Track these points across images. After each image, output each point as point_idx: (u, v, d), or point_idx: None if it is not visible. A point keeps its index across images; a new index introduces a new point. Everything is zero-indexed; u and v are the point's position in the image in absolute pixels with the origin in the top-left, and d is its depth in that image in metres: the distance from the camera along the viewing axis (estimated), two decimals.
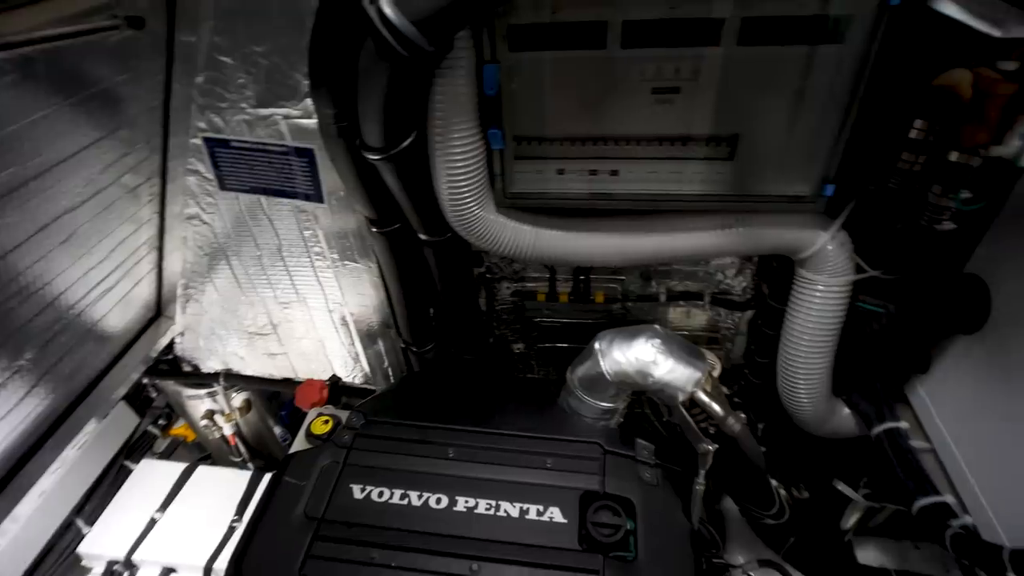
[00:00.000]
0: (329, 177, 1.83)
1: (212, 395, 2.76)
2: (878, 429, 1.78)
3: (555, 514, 1.63)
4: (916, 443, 1.78)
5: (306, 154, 1.78)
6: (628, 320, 2.24)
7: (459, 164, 1.52)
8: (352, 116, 1.48)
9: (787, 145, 1.48)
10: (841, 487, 2.15)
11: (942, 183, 1.37)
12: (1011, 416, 1.47)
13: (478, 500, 1.65)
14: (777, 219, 1.62)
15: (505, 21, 1.38)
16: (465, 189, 1.57)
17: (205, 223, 2.08)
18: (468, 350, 2.22)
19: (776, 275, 1.97)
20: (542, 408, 1.91)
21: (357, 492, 1.70)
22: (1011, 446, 1.48)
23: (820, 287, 1.69)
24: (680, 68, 1.41)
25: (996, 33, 1.06)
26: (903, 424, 1.76)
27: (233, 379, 2.63)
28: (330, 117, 1.50)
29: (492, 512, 1.64)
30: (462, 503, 1.66)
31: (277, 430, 3.05)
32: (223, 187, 1.95)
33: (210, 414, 2.82)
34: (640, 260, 1.73)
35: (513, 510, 1.63)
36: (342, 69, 1.43)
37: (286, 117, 1.72)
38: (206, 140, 1.82)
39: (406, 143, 1.48)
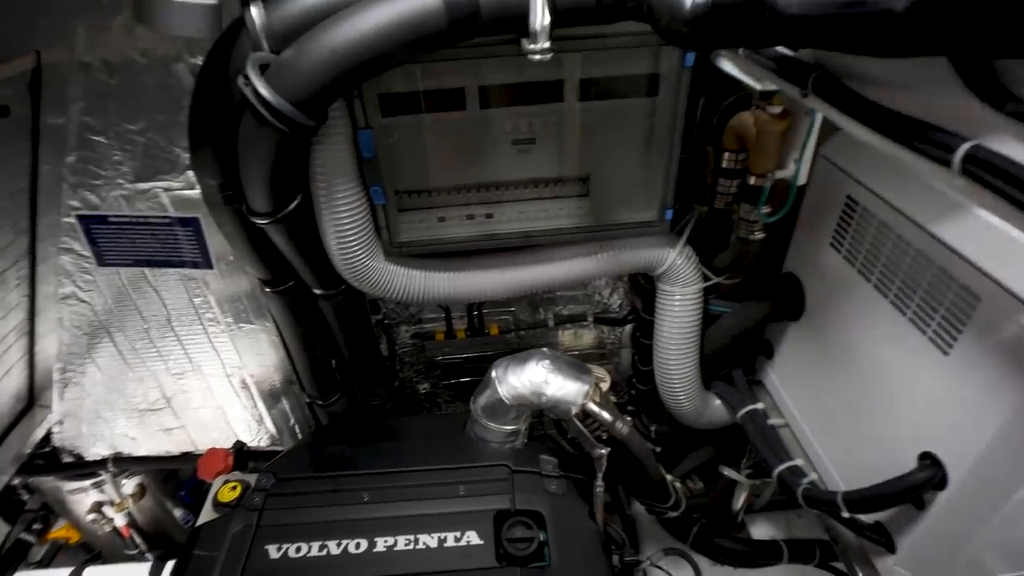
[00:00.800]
0: (217, 242, 1.86)
1: (99, 485, 2.56)
2: (741, 413, 2.06)
3: (472, 537, 1.72)
4: (774, 420, 2.08)
5: (191, 223, 1.81)
6: (523, 347, 2.41)
7: (346, 221, 1.64)
8: (236, 184, 1.55)
9: (630, 180, 1.75)
10: (727, 471, 2.42)
11: (749, 202, 1.69)
12: (832, 386, 1.80)
13: (396, 538, 1.71)
14: (633, 242, 1.89)
15: (375, 91, 1.55)
16: (354, 243, 1.68)
17: (83, 301, 2.01)
18: (375, 396, 2.28)
19: (645, 291, 2.24)
20: (451, 440, 2.01)
21: (273, 552, 1.69)
22: (835, 409, 1.80)
23: (677, 296, 1.96)
24: (533, 122, 1.64)
25: (757, 87, 1.37)
26: (760, 405, 2.06)
27: (124, 463, 2.48)
28: (214, 187, 1.56)
29: (412, 547, 1.69)
30: (381, 543, 1.70)
31: (177, 512, 2.87)
32: (102, 263, 1.90)
33: (98, 506, 2.60)
34: (522, 291, 1.92)
35: (432, 541, 1.70)
36: (222, 141, 1.50)
37: (167, 189, 1.75)
38: (80, 218, 1.80)
39: (292, 206, 1.57)
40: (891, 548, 1.59)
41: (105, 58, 1.54)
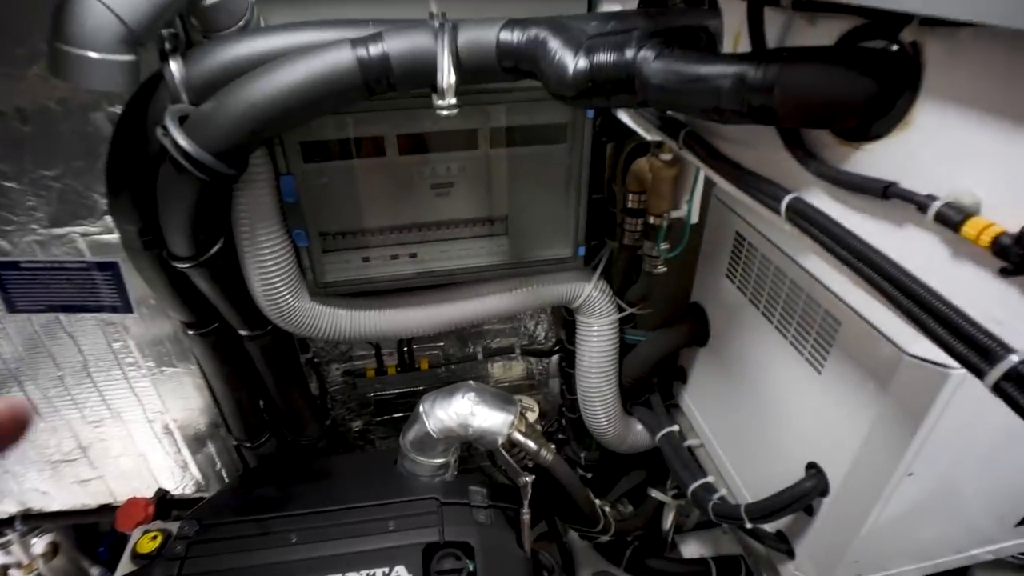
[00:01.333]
0: (137, 286, 1.85)
1: (5, 546, 2.40)
2: (659, 435, 2.18)
3: (401, 572, 1.73)
4: (690, 441, 2.22)
5: (110, 267, 1.80)
6: (453, 381, 2.47)
7: (269, 263, 1.68)
8: (155, 229, 1.57)
9: (545, 220, 1.88)
10: (654, 493, 2.53)
11: (650, 240, 1.84)
12: (735, 405, 1.95)
13: None
14: (551, 278, 2.01)
15: (296, 138, 1.62)
16: (278, 285, 1.72)
17: None
18: (305, 436, 2.27)
19: (568, 323, 2.36)
20: (381, 476, 2.03)
21: None
22: (740, 426, 1.94)
23: (595, 328, 2.09)
24: (450, 167, 1.75)
25: (647, 136, 1.54)
26: (675, 427, 2.20)
27: (34, 520, 2.34)
28: (133, 233, 1.57)
29: None
30: None
31: (95, 571, 2.70)
32: (12, 309, 1.85)
33: (3, 570, 2.43)
34: (448, 327, 1.99)
35: None
36: (141, 188, 1.53)
37: (84, 235, 1.74)
38: None
39: (215, 249, 1.60)
40: (791, 554, 1.73)
41: (19, 106, 1.55)
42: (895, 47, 0.75)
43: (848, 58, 0.79)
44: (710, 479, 1.99)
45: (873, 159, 0.81)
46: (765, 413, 1.78)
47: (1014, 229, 0.61)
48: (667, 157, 1.66)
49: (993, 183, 0.65)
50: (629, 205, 1.88)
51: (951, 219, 0.66)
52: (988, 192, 0.65)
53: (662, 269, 1.89)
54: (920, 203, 0.70)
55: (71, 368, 2.03)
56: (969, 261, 0.68)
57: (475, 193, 1.80)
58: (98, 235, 1.75)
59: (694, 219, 1.76)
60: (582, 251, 1.93)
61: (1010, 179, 0.63)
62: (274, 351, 1.98)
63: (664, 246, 1.81)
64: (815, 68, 0.81)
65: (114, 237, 1.74)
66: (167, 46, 1.40)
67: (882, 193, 0.76)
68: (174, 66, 1.39)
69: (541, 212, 1.87)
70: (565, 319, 2.37)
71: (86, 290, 1.84)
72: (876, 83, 0.76)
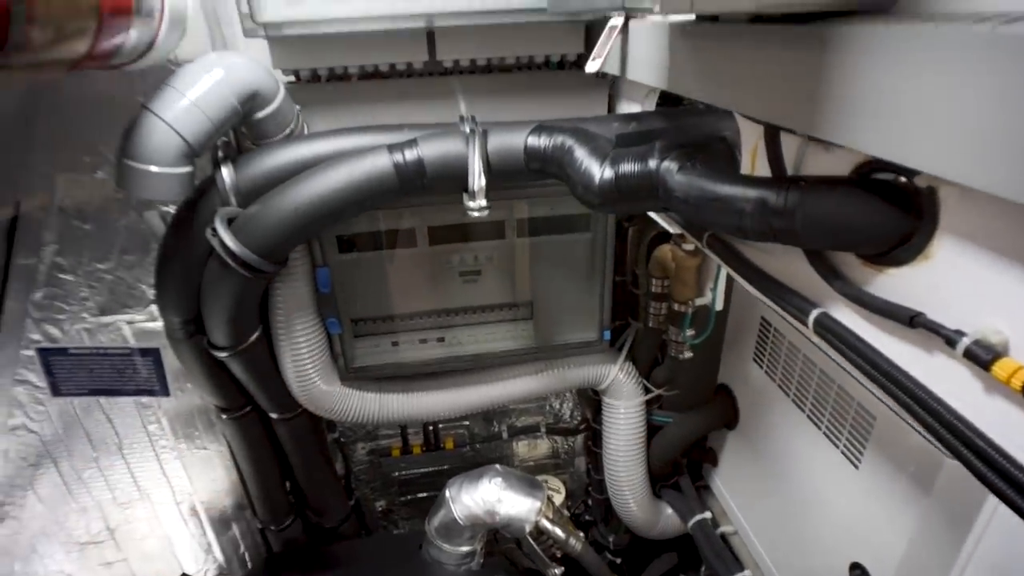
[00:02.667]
0: (174, 370, 1.91)
1: None
2: (691, 522, 2.12)
3: None
4: (724, 528, 2.14)
5: (151, 353, 1.87)
6: (479, 461, 2.45)
7: (303, 351, 1.73)
8: (198, 320, 1.64)
9: (570, 304, 1.92)
10: None
11: (675, 325, 1.86)
12: (770, 493, 1.89)
13: None
14: (577, 360, 2.02)
15: (331, 232, 1.71)
16: (311, 371, 1.77)
17: (31, 432, 1.99)
18: (330, 517, 2.25)
19: (593, 401, 2.35)
20: (405, 564, 2.00)
21: None
22: (775, 515, 1.88)
23: (622, 410, 2.08)
24: (478, 256, 1.82)
25: (671, 230, 1.58)
26: (708, 514, 2.13)
27: None
28: (177, 323, 1.65)
29: None
30: None
31: None
32: (57, 393, 1.92)
33: None
34: (474, 410, 2.00)
35: None
36: (187, 282, 1.61)
37: (130, 322, 1.83)
38: (40, 351, 1.84)
39: (252, 339, 1.66)
40: None
41: (81, 205, 1.67)
42: (911, 183, 0.78)
43: (866, 190, 0.83)
44: (747, 573, 1.91)
45: (897, 284, 0.83)
46: (802, 504, 1.72)
47: None
48: (690, 247, 1.69)
49: (1019, 323, 0.66)
50: (653, 289, 1.91)
51: (980, 358, 0.67)
52: (1014, 331, 0.67)
53: (688, 355, 1.90)
54: (948, 337, 0.72)
55: (105, 449, 2.07)
56: (1002, 397, 0.68)
57: (502, 280, 1.85)
58: (143, 323, 1.83)
59: (719, 306, 1.77)
60: (607, 335, 1.95)
61: None
62: (303, 433, 2.00)
63: (690, 332, 1.82)
64: (834, 198, 0.85)
65: (157, 325, 1.81)
66: (220, 154, 1.52)
67: (909, 322, 0.78)
68: (225, 172, 1.50)
69: (566, 297, 1.91)
70: (591, 397, 2.36)
71: (127, 374, 1.91)
72: (894, 216, 0.79)
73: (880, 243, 0.83)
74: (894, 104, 0.68)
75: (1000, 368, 0.65)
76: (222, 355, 1.66)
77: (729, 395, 2.03)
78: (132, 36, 1.20)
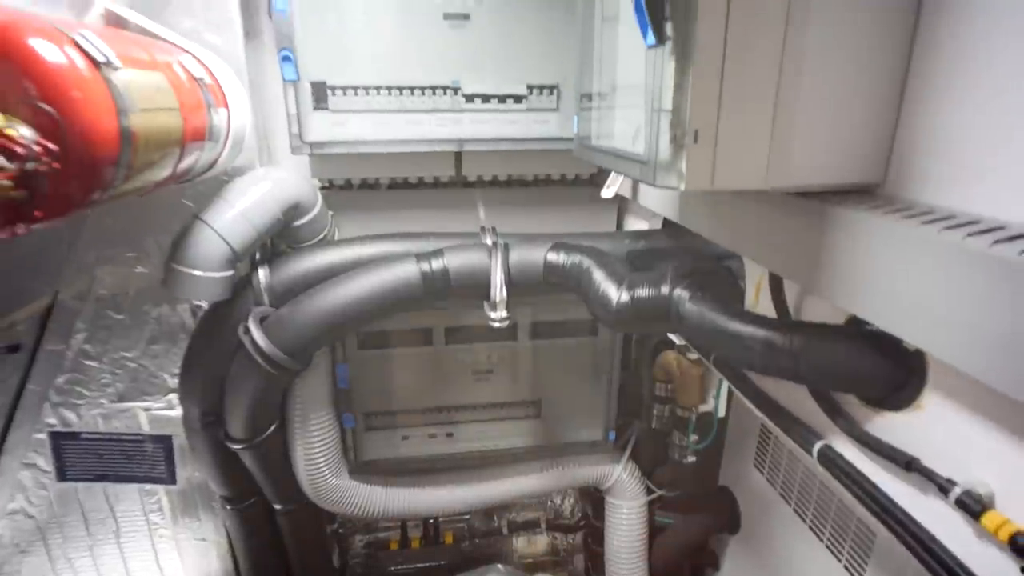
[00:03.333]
0: (184, 459, 1.92)
1: None
2: None
3: None
4: None
5: (163, 440, 1.89)
6: (477, 556, 2.41)
7: (316, 445, 1.77)
8: (216, 412, 1.69)
9: (576, 404, 1.99)
10: None
11: (679, 430, 1.92)
12: None
13: None
14: (581, 460, 2.06)
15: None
16: (322, 464, 1.79)
17: (29, 517, 1.96)
18: None
19: (594, 497, 2.36)
20: None
21: None
22: None
23: (624, 509, 2.09)
24: (491, 356, 1.90)
25: (677, 341, 1.68)
26: None
27: None
28: (196, 414, 1.69)
29: None
30: None
31: None
32: (62, 478, 1.91)
33: None
34: (479, 506, 2.02)
35: None
36: (212, 375, 1.67)
37: (147, 409, 1.86)
38: (52, 434, 1.85)
39: (268, 432, 1.70)
40: None
41: (117, 296, 1.75)
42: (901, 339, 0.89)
43: (861, 341, 0.93)
44: None
45: (894, 427, 0.92)
46: None
47: None
48: (694, 356, 1.79)
49: (1004, 478, 0.75)
50: (657, 392, 1.99)
51: (971, 508, 0.75)
52: (1000, 485, 0.75)
53: (692, 459, 1.95)
54: (941, 485, 0.80)
55: (102, 535, 2.03)
56: (992, 544, 0.76)
57: (511, 379, 1.92)
58: (160, 411, 1.86)
59: (721, 413, 1.85)
60: (612, 436, 2.01)
61: (1017, 478, 0.73)
62: (304, 525, 1.99)
63: (694, 438, 1.89)
64: (834, 346, 0.95)
65: (173, 413, 1.85)
66: (258, 256, 1.63)
67: (905, 466, 0.86)
68: (262, 273, 1.60)
69: (573, 397, 1.98)
70: (592, 493, 2.37)
71: (136, 460, 1.91)
72: (886, 367, 0.90)
73: (875, 389, 0.93)
74: (883, 280, 0.80)
75: (988, 520, 0.73)
76: (238, 447, 1.69)
77: (730, 498, 2.07)
78: (202, 157, 1.33)
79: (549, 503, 2.43)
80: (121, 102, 0.96)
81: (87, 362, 1.79)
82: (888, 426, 0.94)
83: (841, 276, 0.87)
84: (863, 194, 0.91)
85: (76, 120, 0.87)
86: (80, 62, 0.90)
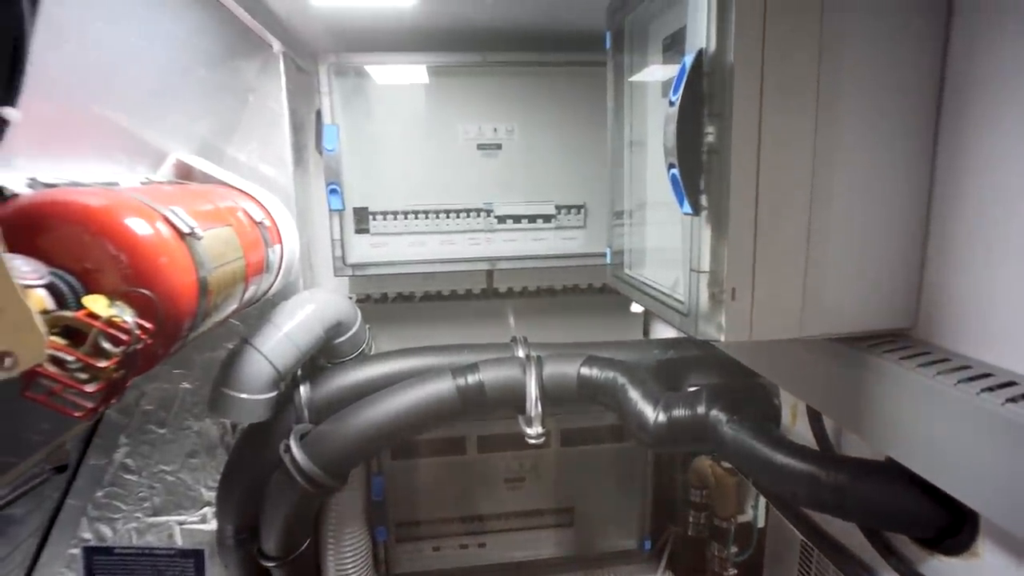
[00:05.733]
0: (214, 574, 1.90)
1: None
2: None
3: None
4: None
5: (195, 555, 1.88)
6: None
7: (349, 560, 1.75)
8: (250, 528, 1.68)
9: (610, 512, 1.96)
10: None
11: (718, 541, 1.88)
12: None
13: None
14: (617, 570, 2.01)
15: None
16: None
17: None
18: None
19: None
20: None
21: None
22: None
23: None
24: (523, 463, 1.90)
25: (717, 455, 1.68)
26: None
27: None
28: (230, 531, 1.69)
29: None
30: None
31: None
32: None
33: None
34: None
35: None
36: (250, 489, 1.68)
37: (181, 523, 1.86)
38: (86, 549, 1.85)
39: (302, 549, 1.69)
40: None
41: (160, 412, 1.80)
42: None
43: (906, 481, 0.94)
44: None
45: (952, 571, 0.92)
46: None
47: None
48: (728, 465, 1.78)
49: None
50: (692, 498, 1.96)
51: None
52: None
53: (733, 572, 1.89)
54: None
55: None
56: None
57: (544, 486, 1.91)
58: (194, 524, 1.86)
59: (761, 523, 1.81)
60: (648, 544, 1.96)
61: None
62: None
63: (734, 549, 1.84)
64: (878, 483, 0.97)
65: (207, 527, 1.85)
66: (299, 374, 1.69)
67: None
68: (303, 390, 1.64)
69: (605, 504, 1.96)
70: None
71: None
72: (933, 509, 0.90)
73: (925, 531, 0.93)
74: (914, 427, 0.83)
75: None
76: (270, 564, 1.68)
77: None
78: (260, 288, 1.42)
79: None
80: (200, 264, 1.05)
81: (127, 476, 1.82)
82: (945, 570, 0.93)
83: (875, 419, 0.90)
84: (896, 338, 0.96)
85: (167, 293, 0.94)
86: (170, 235, 0.99)
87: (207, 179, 1.47)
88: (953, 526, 0.89)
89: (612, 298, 1.97)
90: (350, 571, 1.76)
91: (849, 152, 0.88)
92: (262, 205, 1.47)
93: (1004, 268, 0.80)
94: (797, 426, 1.30)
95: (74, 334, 0.77)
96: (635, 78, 1.32)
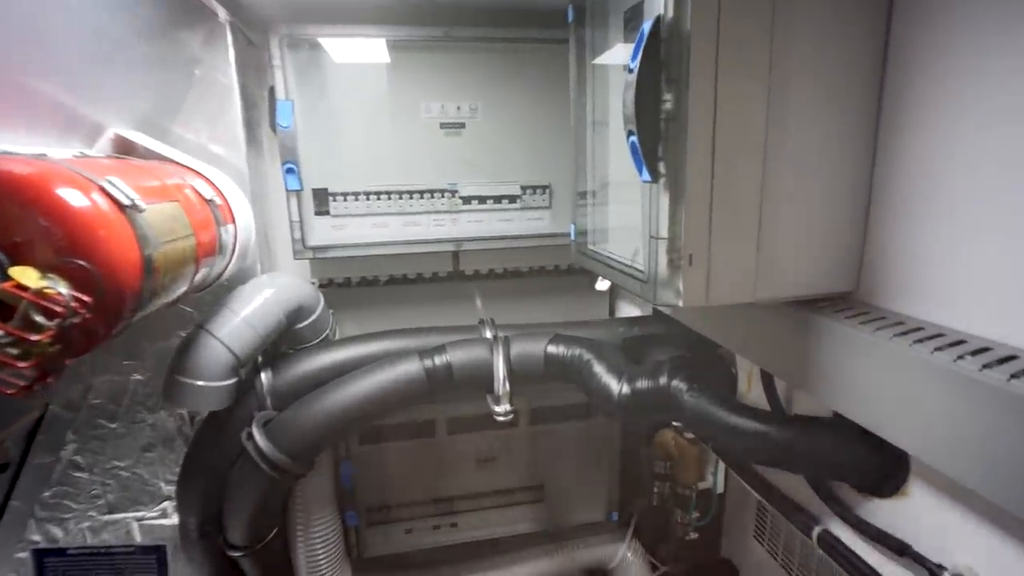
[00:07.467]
0: (178, 570, 1.85)
1: None
2: None
3: None
4: None
5: (156, 551, 1.82)
6: None
7: (319, 546, 1.73)
8: (213, 520, 1.64)
9: (579, 487, 2.00)
10: None
11: (680, 508, 1.95)
12: None
13: None
14: (586, 541, 2.05)
15: None
16: (324, 566, 1.75)
17: None
18: None
19: None
20: None
21: None
22: None
23: None
24: (493, 443, 1.92)
25: (676, 425, 1.74)
26: None
27: None
28: (193, 524, 1.64)
29: None
30: None
31: None
32: None
33: None
34: None
35: None
36: (212, 480, 1.64)
37: (139, 519, 1.80)
38: (36, 552, 1.77)
39: (269, 537, 1.66)
40: None
41: (111, 405, 1.73)
42: None
43: (849, 433, 1.00)
44: None
45: (886, 512, 0.98)
46: None
47: None
48: (691, 435, 1.84)
49: (986, 566, 0.81)
50: (656, 471, 2.02)
51: None
52: (984, 573, 0.81)
53: (694, 535, 1.96)
54: (931, 571, 0.86)
55: None
56: None
57: (515, 465, 1.94)
58: (153, 520, 1.80)
59: (720, 489, 1.89)
60: (614, 516, 2.01)
61: (997, 567, 0.79)
62: None
63: (695, 515, 1.91)
64: (823, 438, 1.02)
65: (168, 522, 1.79)
66: (260, 360, 1.65)
67: (898, 551, 0.92)
68: (264, 377, 1.61)
69: (574, 480, 2.00)
70: (597, 574, 2.34)
71: (126, 574, 1.83)
72: (873, 457, 0.96)
73: (865, 478, 0.99)
74: (857, 381, 0.88)
75: None
76: (237, 554, 1.64)
77: (733, 571, 2.07)
78: (212, 272, 1.38)
79: None
80: (144, 240, 1.01)
81: (77, 474, 1.75)
82: (880, 511, 1.00)
83: (823, 376, 0.95)
84: (840, 300, 1.01)
85: (107, 266, 0.91)
86: (107, 207, 0.95)
87: (151, 156, 1.41)
88: (888, 471, 0.96)
89: (578, 279, 2.00)
90: (320, 557, 1.74)
91: (799, 119, 0.91)
92: (212, 183, 1.42)
93: (931, 233, 0.86)
94: (752, 392, 1.36)
95: (7, 310, 0.73)
96: (598, 59, 1.33)
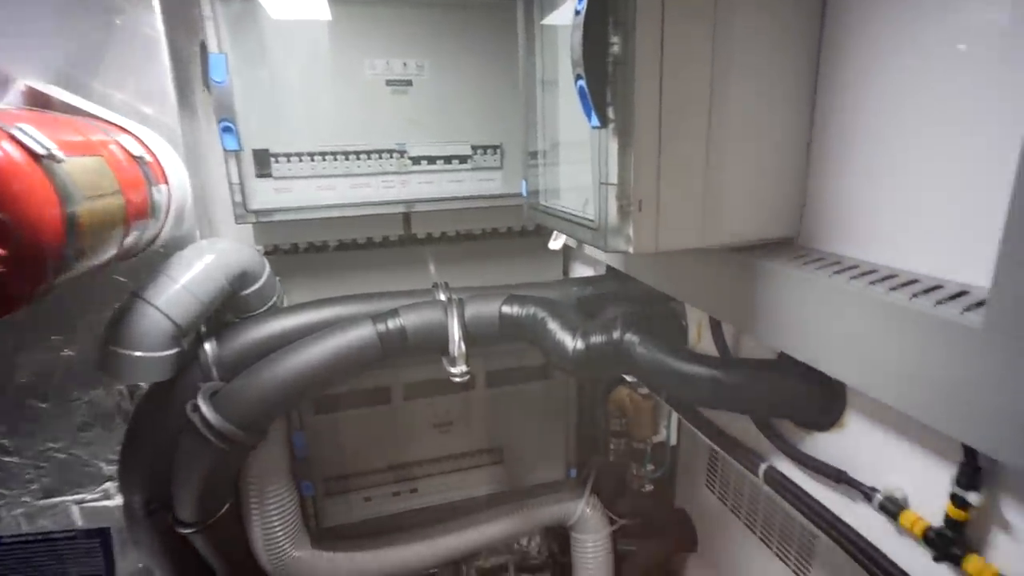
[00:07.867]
0: (125, 552, 1.78)
1: None
2: None
3: None
4: None
5: (100, 534, 1.74)
6: None
7: (275, 517, 1.70)
8: (160, 498, 1.59)
9: (537, 446, 2.03)
10: None
11: (635, 461, 2.01)
12: None
13: None
14: (545, 500, 2.10)
15: None
16: (281, 537, 1.72)
17: None
18: None
19: (558, 535, 2.39)
20: None
21: None
22: None
23: (589, 544, 2.14)
24: (450, 408, 1.91)
25: (630, 379, 1.78)
26: None
27: None
28: (139, 502, 1.58)
29: None
30: None
31: None
32: None
33: None
34: (450, 559, 1.99)
35: None
36: (157, 456, 1.58)
37: (79, 503, 1.71)
38: None
39: (221, 512, 1.62)
40: None
41: (40, 383, 1.62)
42: None
43: (790, 373, 1.05)
44: None
45: (825, 445, 1.04)
46: None
47: (938, 523, 0.82)
48: (645, 391, 1.90)
49: (914, 482, 0.88)
50: (612, 427, 2.07)
51: (889, 510, 0.88)
52: (912, 489, 0.88)
53: (649, 488, 2.04)
54: (865, 493, 0.92)
55: None
56: (909, 538, 0.88)
57: (473, 429, 1.95)
58: (95, 502, 1.72)
59: (674, 442, 1.96)
60: (573, 472, 2.06)
61: (923, 484, 0.86)
62: None
63: (650, 468, 1.98)
64: (768, 378, 1.07)
65: (112, 503, 1.72)
66: (203, 330, 1.58)
67: (835, 478, 0.98)
68: (208, 347, 1.54)
69: (533, 440, 2.03)
70: (556, 531, 2.40)
71: (69, 561, 1.75)
72: (813, 393, 1.02)
73: (806, 414, 1.05)
74: (799, 320, 0.92)
75: (905, 519, 0.85)
76: (188, 531, 1.59)
77: (687, 520, 2.17)
78: (144, 235, 1.30)
79: (516, 546, 2.43)
80: (65, 194, 0.94)
81: (6, 458, 1.64)
82: (820, 445, 1.06)
83: (767, 318, 0.99)
84: (783, 246, 1.04)
85: (22, 218, 0.84)
86: (19, 157, 0.88)
87: (70, 111, 1.31)
88: (826, 405, 1.01)
89: (532, 241, 2.00)
90: (276, 528, 1.71)
91: (744, 67, 0.93)
92: (140, 140, 1.33)
93: (863, 177, 0.90)
94: (702, 341, 1.40)
95: None
96: (546, 19, 1.30)
